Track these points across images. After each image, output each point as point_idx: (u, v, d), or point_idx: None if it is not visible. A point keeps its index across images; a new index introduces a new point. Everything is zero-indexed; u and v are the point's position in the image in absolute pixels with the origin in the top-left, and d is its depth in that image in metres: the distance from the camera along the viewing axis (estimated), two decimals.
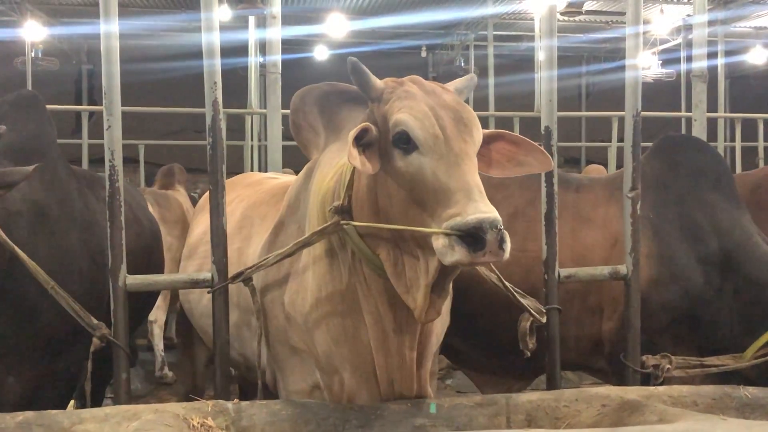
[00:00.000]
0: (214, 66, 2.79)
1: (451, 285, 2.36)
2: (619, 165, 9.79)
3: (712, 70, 6.95)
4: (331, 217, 2.41)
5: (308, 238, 2.51)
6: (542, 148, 2.44)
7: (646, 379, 3.06)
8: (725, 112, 9.61)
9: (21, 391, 3.12)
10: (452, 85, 2.43)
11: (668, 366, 3.00)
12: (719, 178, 3.45)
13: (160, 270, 4.15)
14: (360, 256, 2.40)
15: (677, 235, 3.31)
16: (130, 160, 9.79)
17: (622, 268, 3.03)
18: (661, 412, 2.36)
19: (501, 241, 2.03)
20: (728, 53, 11.70)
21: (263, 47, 6.61)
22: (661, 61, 13.61)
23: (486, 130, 2.33)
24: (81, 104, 13.61)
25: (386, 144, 2.24)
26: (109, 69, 2.75)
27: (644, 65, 14.39)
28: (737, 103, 13.31)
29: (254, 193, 3.40)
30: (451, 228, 2.05)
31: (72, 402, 4.38)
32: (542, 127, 3.00)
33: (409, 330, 2.42)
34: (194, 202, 7.68)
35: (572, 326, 3.29)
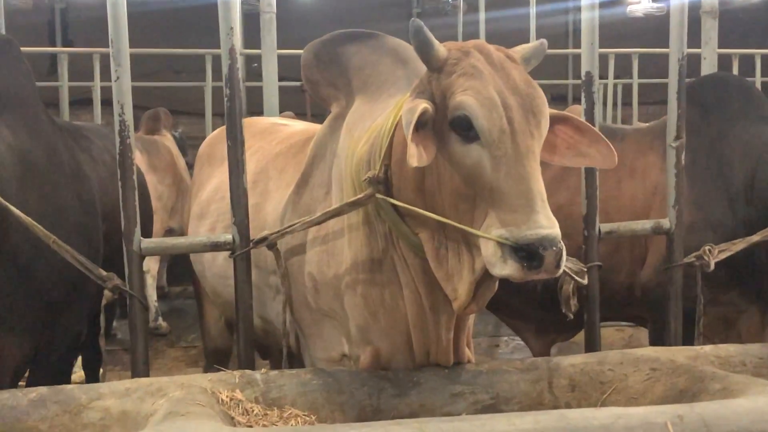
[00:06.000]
0: (230, 9, 2.54)
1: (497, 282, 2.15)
2: (616, 102, 9.66)
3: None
4: (365, 187, 2.21)
5: (340, 208, 2.33)
6: (608, 141, 2.17)
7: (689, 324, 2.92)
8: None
9: (21, 356, 2.95)
10: (519, 52, 2.16)
11: (708, 248, 2.81)
12: (748, 105, 3.36)
13: (147, 226, 3.93)
14: (396, 233, 2.22)
15: (710, 180, 3.23)
16: (105, 102, 9.50)
17: (665, 222, 2.87)
18: (723, 379, 2.22)
19: (558, 260, 1.86)
20: None
21: None
22: None
23: (551, 111, 2.08)
24: (54, 44, 13.18)
25: (442, 122, 2.02)
26: (116, 12, 2.50)
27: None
28: (726, 38, 13.15)
29: (268, 144, 3.15)
30: (507, 238, 1.87)
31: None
32: (582, 73, 2.78)
33: (447, 311, 2.25)
34: (176, 142, 7.40)
35: (611, 276, 3.17)
